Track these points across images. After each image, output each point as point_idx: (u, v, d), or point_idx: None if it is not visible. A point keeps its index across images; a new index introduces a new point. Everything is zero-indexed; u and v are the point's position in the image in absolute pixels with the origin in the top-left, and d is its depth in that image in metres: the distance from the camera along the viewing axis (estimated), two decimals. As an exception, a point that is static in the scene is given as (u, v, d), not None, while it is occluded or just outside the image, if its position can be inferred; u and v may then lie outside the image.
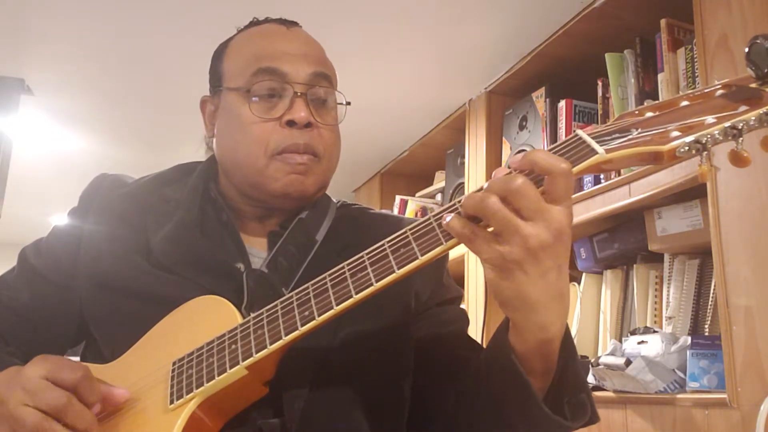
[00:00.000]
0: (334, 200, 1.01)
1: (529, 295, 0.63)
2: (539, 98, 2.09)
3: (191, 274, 0.86)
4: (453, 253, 2.36)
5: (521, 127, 2.15)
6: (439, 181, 2.80)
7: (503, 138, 2.26)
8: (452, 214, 0.65)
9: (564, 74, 2.07)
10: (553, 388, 0.70)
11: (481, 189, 0.65)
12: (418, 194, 2.92)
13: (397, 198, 2.96)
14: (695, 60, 1.53)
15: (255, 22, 0.97)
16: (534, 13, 1.89)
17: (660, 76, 1.64)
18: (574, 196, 1.83)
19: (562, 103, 1.99)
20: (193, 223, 0.90)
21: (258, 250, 0.91)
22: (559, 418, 0.67)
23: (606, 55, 1.80)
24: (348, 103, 0.94)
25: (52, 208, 3.79)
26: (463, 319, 0.96)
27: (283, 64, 0.89)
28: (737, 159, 0.61)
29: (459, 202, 0.66)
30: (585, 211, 1.78)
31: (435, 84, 2.36)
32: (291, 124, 0.87)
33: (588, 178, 1.80)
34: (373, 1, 1.88)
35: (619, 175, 1.69)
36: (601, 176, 1.78)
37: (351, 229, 0.95)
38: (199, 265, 0.87)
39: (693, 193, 1.54)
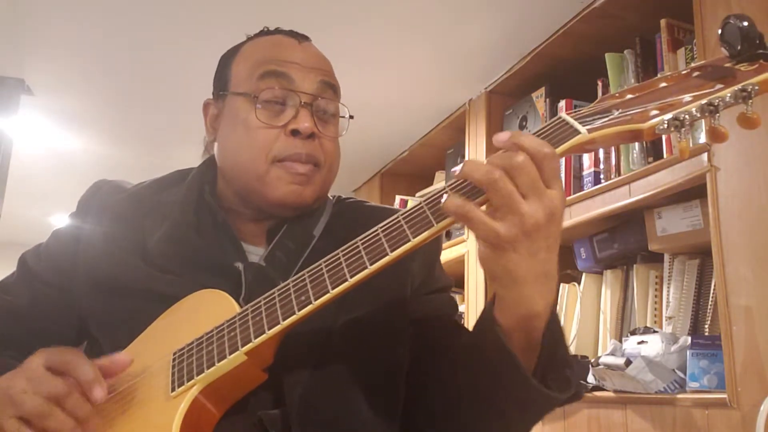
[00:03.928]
0: (330, 197, 1.01)
1: (517, 271, 0.64)
2: (539, 98, 2.09)
3: (188, 273, 0.86)
4: (453, 253, 2.37)
5: (521, 127, 2.16)
6: (439, 181, 2.80)
7: (503, 138, 2.26)
8: (447, 195, 0.67)
9: (564, 74, 2.08)
10: (540, 367, 0.71)
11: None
12: (418, 194, 2.92)
13: (397, 198, 2.97)
14: (695, 60, 1.53)
15: (265, 32, 0.98)
16: (534, 13, 1.89)
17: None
18: (574, 195, 1.84)
19: (562, 103, 1.99)
20: (188, 224, 0.90)
21: (255, 248, 0.92)
22: (542, 387, 0.68)
23: (606, 55, 1.80)
24: (351, 117, 0.95)
25: (52, 208, 3.79)
26: (452, 305, 0.97)
27: (290, 71, 0.90)
28: (715, 134, 0.64)
29: (450, 186, 0.68)
30: (585, 211, 1.78)
31: (435, 84, 2.36)
32: (295, 133, 0.88)
33: (588, 178, 1.80)
34: (373, 2, 1.89)
35: (619, 175, 1.69)
36: (601, 176, 1.78)
37: (348, 222, 0.95)
38: (196, 264, 0.87)
39: (693, 193, 1.54)
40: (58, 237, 0.97)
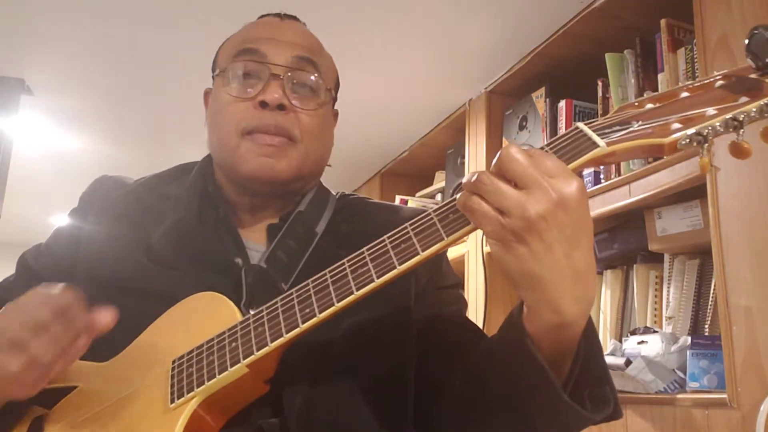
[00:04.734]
0: (333, 192, 1.00)
1: (534, 271, 0.59)
2: (539, 98, 2.09)
3: (190, 270, 0.85)
4: (453, 253, 2.37)
5: (521, 127, 2.15)
6: (439, 181, 2.80)
7: (503, 138, 2.26)
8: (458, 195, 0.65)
9: (564, 74, 2.07)
10: (573, 378, 0.67)
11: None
12: (418, 194, 2.92)
13: (397, 198, 2.97)
14: (695, 60, 1.53)
15: (259, 17, 0.99)
16: (534, 13, 1.89)
17: (660, 76, 1.64)
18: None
19: (562, 103, 1.99)
20: (191, 219, 0.90)
21: (256, 244, 0.90)
22: (579, 407, 0.64)
23: (606, 55, 1.80)
24: (329, 89, 0.93)
25: (52, 208, 3.79)
26: (461, 301, 0.96)
27: (263, 46, 0.89)
28: (738, 150, 0.61)
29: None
30: (585, 211, 1.77)
31: (435, 84, 2.36)
32: (263, 105, 0.86)
33: (588, 178, 1.80)
34: (373, 2, 1.89)
35: (619, 175, 1.69)
36: (601, 176, 1.78)
37: (351, 218, 0.94)
38: (198, 260, 0.86)
39: (693, 193, 1.54)
40: (58, 236, 0.96)
